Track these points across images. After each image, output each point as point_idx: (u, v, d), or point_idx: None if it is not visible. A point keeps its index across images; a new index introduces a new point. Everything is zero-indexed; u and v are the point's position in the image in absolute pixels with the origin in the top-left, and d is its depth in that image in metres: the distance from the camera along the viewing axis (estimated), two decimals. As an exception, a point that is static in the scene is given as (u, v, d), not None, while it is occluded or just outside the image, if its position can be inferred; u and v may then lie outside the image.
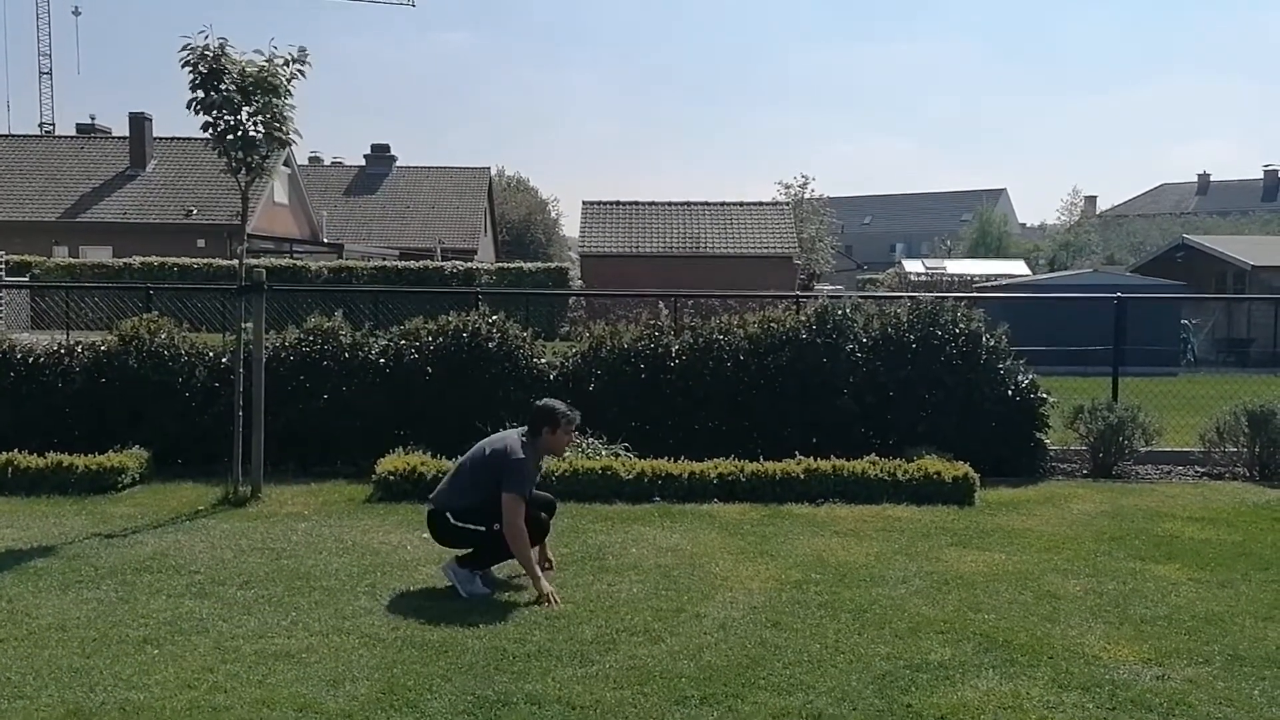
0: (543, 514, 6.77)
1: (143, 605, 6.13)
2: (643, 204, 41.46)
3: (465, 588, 6.40)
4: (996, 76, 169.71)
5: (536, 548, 6.67)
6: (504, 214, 68.62)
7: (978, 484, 9.25)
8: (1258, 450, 10.68)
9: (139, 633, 5.66)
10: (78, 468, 9.32)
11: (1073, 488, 9.98)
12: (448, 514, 6.60)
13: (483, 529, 6.48)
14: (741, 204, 41.66)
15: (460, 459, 6.96)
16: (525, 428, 6.86)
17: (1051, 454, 10.88)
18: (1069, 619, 6.02)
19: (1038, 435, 10.66)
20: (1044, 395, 10.66)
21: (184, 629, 5.73)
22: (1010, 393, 10.56)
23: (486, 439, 6.92)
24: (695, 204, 41.58)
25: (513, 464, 6.52)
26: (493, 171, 62.49)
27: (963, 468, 9.32)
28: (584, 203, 41.44)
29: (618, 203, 41.38)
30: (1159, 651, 5.50)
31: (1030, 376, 10.72)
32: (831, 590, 6.51)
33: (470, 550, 6.55)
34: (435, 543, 6.80)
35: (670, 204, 41.49)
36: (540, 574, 6.43)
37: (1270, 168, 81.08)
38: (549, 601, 6.20)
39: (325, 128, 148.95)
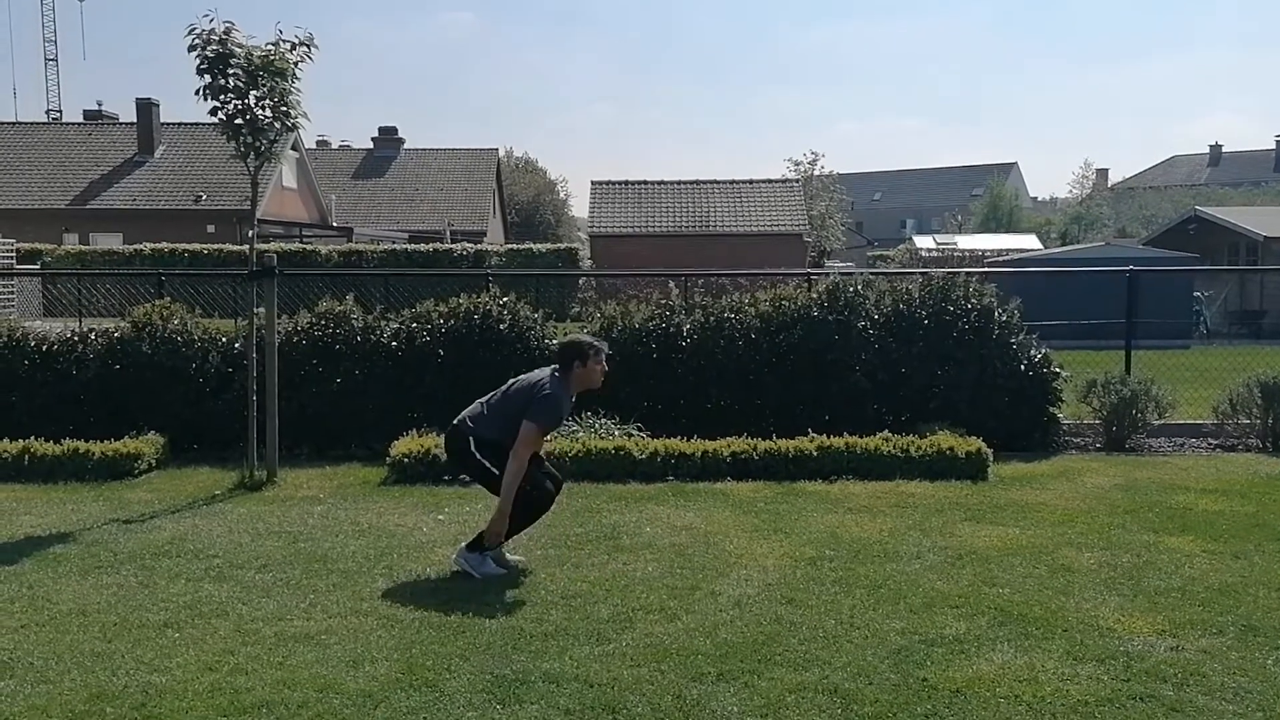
0: (549, 485, 6.71)
1: (162, 589, 6.18)
2: (652, 183, 41.39)
3: (478, 570, 6.42)
4: (1007, 51, 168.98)
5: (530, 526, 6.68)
6: (512, 195, 68.57)
7: (991, 459, 9.25)
8: (1271, 422, 10.67)
9: (159, 617, 5.71)
10: (94, 454, 9.37)
11: (1086, 461, 9.98)
12: (470, 439, 6.57)
13: (496, 473, 6.44)
14: (751, 182, 41.54)
15: (498, 389, 6.85)
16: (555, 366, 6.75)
17: (1065, 428, 10.88)
18: (1083, 592, 6.03)
19: (1051, 410, 10.65)
20: (1057, 369, 10.65)
21: (204, 612, 5.78)
22: (1023, 367, 10.55)
23: (529, 374, 6.82)
24: (704, 182, 41.49)
25: (543, 395, 6.47)
26: (501, 153, 62.40)
27: (976, 443, 9.33)
28: (593, 183, 41.40)
29: (627, 182, 41.31)
30: (1173, 623, 5.51)
31: (1043, 351, 10.70)
32: (846, 566, 6.53)
33: (476, 536, 6.54)
34: (447, 463, 6.74)
35: (679, 183, 41.41)
36: (504, 522, 6.39)
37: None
38: (490, 540, 6.33)
39: (332, 111, 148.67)
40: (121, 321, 10.92)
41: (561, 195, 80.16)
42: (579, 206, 79.05)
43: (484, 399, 6.83)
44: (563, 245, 40.60)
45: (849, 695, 4.64)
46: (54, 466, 9.30)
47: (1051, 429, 10.66)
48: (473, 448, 6.57)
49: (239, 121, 8.76)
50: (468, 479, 8.83)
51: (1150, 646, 5.19)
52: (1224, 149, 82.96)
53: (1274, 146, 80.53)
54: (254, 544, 7.16)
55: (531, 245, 39.04)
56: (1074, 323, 15.76)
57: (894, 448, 9.27)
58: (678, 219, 39.45)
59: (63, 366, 10.53)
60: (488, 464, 6.52)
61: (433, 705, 4.59)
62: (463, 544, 6.62)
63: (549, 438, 7.27)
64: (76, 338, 10.69)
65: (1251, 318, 27.67)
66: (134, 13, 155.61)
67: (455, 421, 6.76)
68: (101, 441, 9.60)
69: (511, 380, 6.84)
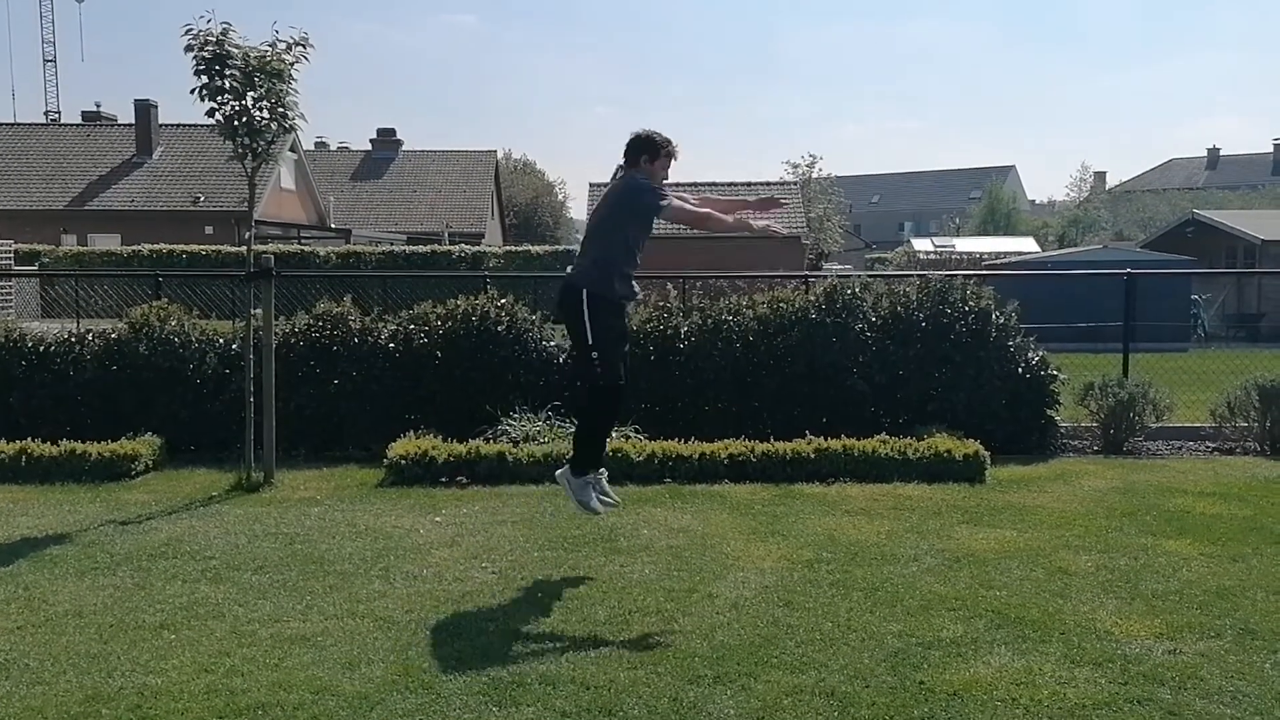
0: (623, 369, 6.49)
1: (159, 591, 6.17)
2: (649, 185, 41.36)
3: (577, 495, 6.44)
4: (1005, 55, 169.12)
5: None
6: (511, 197, 68.58)
7: (988, 461, 9.24)
8: (1269, 425, 10.66)
9: (155, 618, 5.70)
10: (91, 455, 9.36)
11: (1084, 464, 9.97)
12: (584, 292, 6.24)
13: (590, 340, 6.23)
14: (749, 184, 41.56)
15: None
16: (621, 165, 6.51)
17: (1062, 431, 10.87)
18: (1080, 595, 6.03)
19: (1048, 412, 10.65)
20: (1054, 372, 10.64)
21: (200, 614, 5.77)
22: (1020, 370, 10.55)
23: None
24: (702, 185, 41.44)
25: (640, 185, 6.24)
26: (499, 155, 62.42)
27: (973, 445, 9.32)
28: (591, 184, 41.37)
29: (625, 184, 41.27)
30: (1170, 626, 5.50)
31: (1040, 353, 10.70)
32: (843, 569, 6.53)
33: (573, 450, 6.52)
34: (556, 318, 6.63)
35: (675, 185, 41.28)
36: (743, 218, 6.34)
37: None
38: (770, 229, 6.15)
39: (331, 113, 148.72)
40: (119, 322, 10.91)
41: (560, 197, 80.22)
42: (577, 209, 79.03)
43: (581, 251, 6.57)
44: (561, 247, 40.59)
45: (846, 698, 4.63)
46: (51, 467, 9.28)
47: (1049, 431, 10.66)
48: (584, 304, 6.21)
49: (236, 123, 8.75)
50: (465, 481, 8.87)
51: (1148, 650, 5.19)
52: (1222, 152, 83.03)
53: (1272, 150, 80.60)
54: (251, 545, 7.14)
55: (530, 247, 39.06)
56: (1071, 325, 15.76)
57: (891, 450, 9.27)
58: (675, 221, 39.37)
59: (60, 367, 10.52)
60: (588, 327, 6.20)
61: (429, 707, 4.58)
62: (568, 465, 6.60)
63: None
64: (74, 339, 10.68)
65: (1249, 320, 27.69)
66: (132, 14, 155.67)
67: (565, 279, 6.49)
68: (98, 443, 9.59)
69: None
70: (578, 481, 6.55)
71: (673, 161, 6.51)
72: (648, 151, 6.41)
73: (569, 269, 6.56)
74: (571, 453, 6.70)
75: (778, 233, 5.95)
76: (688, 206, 6.33)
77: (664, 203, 6.24)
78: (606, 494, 6.77)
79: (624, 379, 6.53)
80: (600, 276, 6.34)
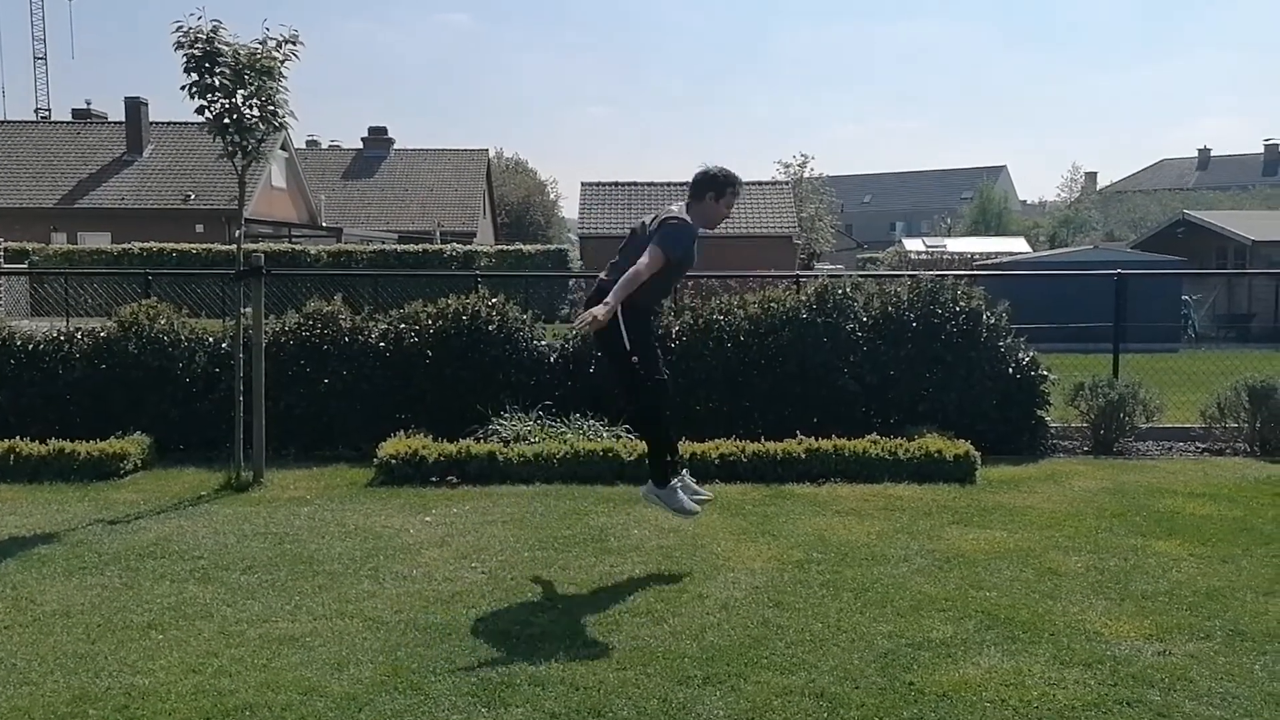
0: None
1: (147, 591, 6.15)
2: (642, 184, 41.44)
3: (669, 504, 6.42)
4: (997, 55, 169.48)
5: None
6: (502, 196, 68.52)
7: (979, 462, 9.25)
8: (1259, 426, 10.68)
9: (143, 618, 5.67)
10: (80, 454, 9.32)
11: (1074, 465, 9.99)
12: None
13: (627, 348, 6.20)
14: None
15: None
16: (684, 200, 6.51)
17: (1052, 431, 10.88)
18: (1070, 596, 6.03)
19: (1038, 413, 10.65)
20: (1045, 373, 10.65)
21: (188, 614, 5.75)
22: (1011, 370, 10.56)
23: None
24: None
25: (671, 223, 6.23)
26: (491, 153, 62.34)
27: (964, 446, 9.33)
28: (583, 184, 41.46)
29: (616, 183, 41.36)
30: (1160, 627, 5.51)
31: (1031, 354, 10.71)
32: (833, 569, 6.52)
33: (652, 465, 6.51)
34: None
35: (669, 184, 41.42)
36: (619, 305, 6.01)
37: (1271, 142, 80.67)
38: (587, 322, 5.93)
39: (323, 111, 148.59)
40: (108, 321, 10.88)
41: (551, 196, 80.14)
42: (569, 208, 79.15)
43: (613, 261, 6.46)
44: (552, 246, 40.60)
45: (835, 699, 4.63)
46: (39, 466, 9.25)
47: (1039, 432, 10.66)
48: (620, 316, 6.12)
49: (226, 120, 8.72)
50: (456, 480, 8.85)
51: (1137, 651, 5.19)
52: (1212, 153, 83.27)
53: (1263, 151, 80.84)
54: (239, 545, 7.12)
55: (521, 246, 39.01)
56: (1062, 326, 15.78)
57: (882, 450, 9.26)
58: (668, 221, 39.35)
59: (49, 366, 10.49)
60: (624, 334, 6.16)
61: (417, 708, 4.56)
62: (649, 481, 6.61)
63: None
64: (63, 337, 10.64)
65: (1239, 321, 27.76)
66: (124, 11, 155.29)
67: (593, 294, 6.42)
68: (87, 441, 9.55)
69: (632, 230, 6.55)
70: (664, 492, 6.53)
71: (736, 200, 6.60)
72: (714, 189, 6.49)
73: (601, 275, 6.46)
74: (649, 467, 6.62)
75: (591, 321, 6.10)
76: (653, 266, 6.13)
77: (653, 249, 6.16)
78: (697, 491, 6.73)
79: (665, 375, 6.60)
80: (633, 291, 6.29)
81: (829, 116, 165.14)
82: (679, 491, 6.54)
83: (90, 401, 10.35)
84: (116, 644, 5.29)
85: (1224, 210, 43.09)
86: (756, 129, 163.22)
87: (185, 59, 8.55)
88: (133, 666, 5.01)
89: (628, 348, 6.27)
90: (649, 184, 41.35)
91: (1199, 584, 6.24)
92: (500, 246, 40.74)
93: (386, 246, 37.00)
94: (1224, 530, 7.49)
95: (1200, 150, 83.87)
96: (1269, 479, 9.32)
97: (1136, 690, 4.72)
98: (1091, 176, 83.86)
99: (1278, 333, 25.11)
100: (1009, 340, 10.69)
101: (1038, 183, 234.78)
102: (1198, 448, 10.88)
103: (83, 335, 10.65)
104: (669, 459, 6.63)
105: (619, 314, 6.15)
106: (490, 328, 10.55)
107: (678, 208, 6.48)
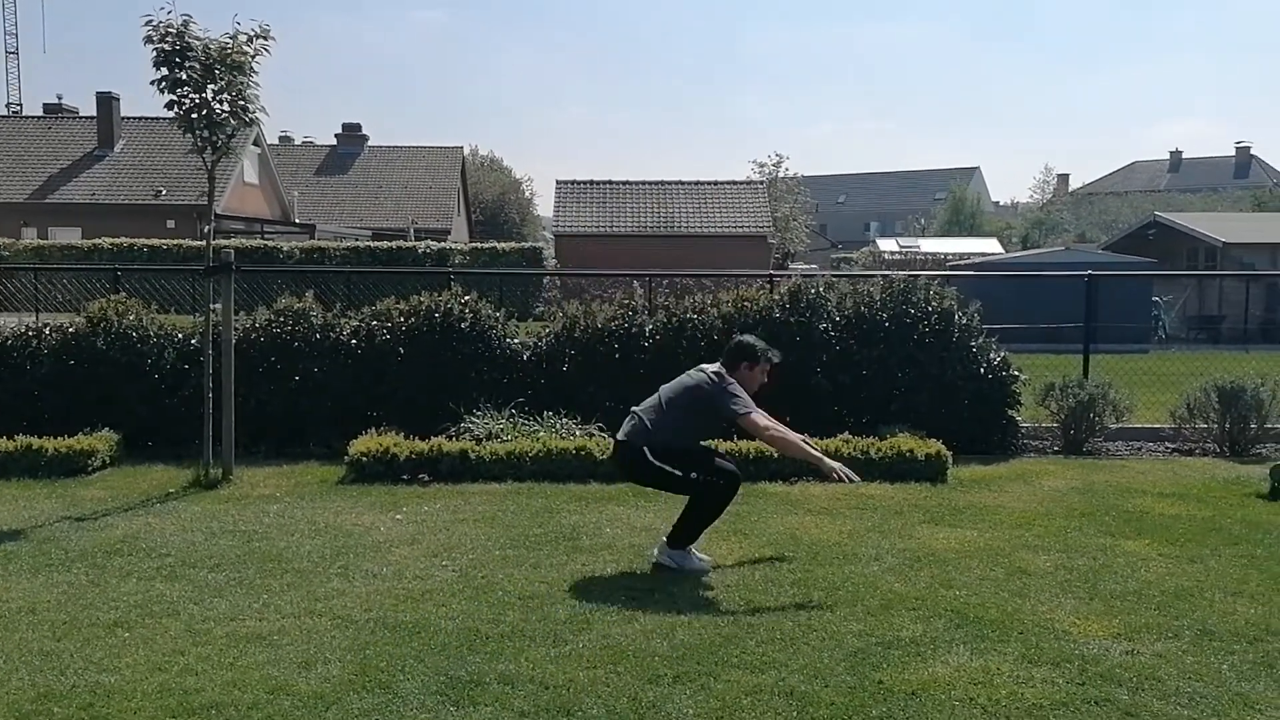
0: (735, 471, 6.69)
1: (113, 588, 6.09)
2: (617, 183, 41.35)
3: (684, 565, 6.43)
4: (970, 57, 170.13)
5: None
6: (477, 194, 68.35)
7: (950, 461, 9.29)
8: (1228, 426, 10.76)
9: (110, 616, 5.62)
10: (47, 450, 9.24)
11: (1044, 464, 10.03)
12: (646, 449, 6.49)
13: (678, 474, 6.45)
14: (716, 183, 41.61)
15: (649, 400, 6.78)
16: (718, 364, 6.74)
17: (1023, 431, 10.94)
18: (1039, 595, 6.05)
19: (1009, 413, 10.70)
20: (1016, 373, 10.70)
21: (155, 612, 5.70)
22: (982, 370, 10.60)
23: (679, 378, 6.78)
24: (669, 183, 41.49)
25: (729, 391, 6.51)
26: (466, 151, 62.16)
27: (935, 445, 9.36)
28: (558, 182, 41.30)
29: (592, 182, 41.25)
30: (1129, 626, 5.53)
31: (1002, 354, 10.75)
32: (804, 568, 6.53)
33: (674, 527, 6.53)
34: (622, 479, 7.06)
35: (644, 183, 41.40)
36: (818, 454, 6.54)
37: (1242, 144, 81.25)
38: (837, 476, 6.31)
39: (297, 108, 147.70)
40: (77, 317, 10.78)
41: (527, 194, 79.96)
42: (544, 206, 78.87)
43: (640, 410, 6.71)
44: (527, 244, 40.49)
45: (805, 697, 4.63)
46: (6, 463, 9.17)
47: (1010, 432, 10.71)
48: (650, 456, 6.47)
49: (195, 115, 8.66)
50: (427, 478, 8.83)
51: (1105, 650, 5.21)
52: (1184, 155, 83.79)
53: (1234, 153, 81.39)
54: (208, 543, 7.07)
55: (496, 244, 38.88)
56: (1033, 326, 15.86)
57: (854, 450, 9.28)
58: (642, 219, 39.43)
59: (16, 361, 10.39)
60: (667, 468, 6.46)
61: (385, 707, 4.53)
62: (663, 539, 6.61)
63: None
64: (31, 333, 10.55)
65: (1210, 323, 27.96)
66: (96, 5, 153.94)
67: (620, 438, 6.66)
68: (55, 438, 9.47)
69: (663, 388, 6.76)
70: (679, 553, 6.52)
71: (764, 375, 6.89)
72: (749, 359, 6.75)
73: (628, 424, 6.68)
74: (673, 530, 6.59)
75: (849, 478, 6.28)
76: (761, 423, 6.52)
77: (743, 412, 6.49)
78: (700, 555, 6.72)
79: (736, 468, 6.78)
80: (659, 440, 6.51)
81: (804, 117, 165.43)
82: (692, 552, 6.55)
83: (58, 397, 10.26)
84: (82, 642, 5.24)
85: (1195, 212, 43.39)
86: (732, 129, 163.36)
87: (155, 53, 8.49)
88: (98, 664, 4.96)
89: (680, 475, 6.47)
90: (624, 183, 41.27)
91: (1167, 584, 6.28)
92: (474, 244, 40.63)
93: (360, 243, 36.82)
94: (1192, 530, 7.54)
95: (1172, 153, 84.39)
96: (1238, 479, 9.39)
97: (1105, 689, 4.73)
98: (1064, 178, 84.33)
99: (1247, 334, 25.35)
100: (981, 340, 10.73)
101: (1010, 184, 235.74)
102: (1167, 448, 10.96)
103: (51, 331, 10.55)
104: (698, 534, 6.63)
105: (647, 456, 6.48)
106: (463, 325, 10.51)
107: (718, 376, 6.64)
